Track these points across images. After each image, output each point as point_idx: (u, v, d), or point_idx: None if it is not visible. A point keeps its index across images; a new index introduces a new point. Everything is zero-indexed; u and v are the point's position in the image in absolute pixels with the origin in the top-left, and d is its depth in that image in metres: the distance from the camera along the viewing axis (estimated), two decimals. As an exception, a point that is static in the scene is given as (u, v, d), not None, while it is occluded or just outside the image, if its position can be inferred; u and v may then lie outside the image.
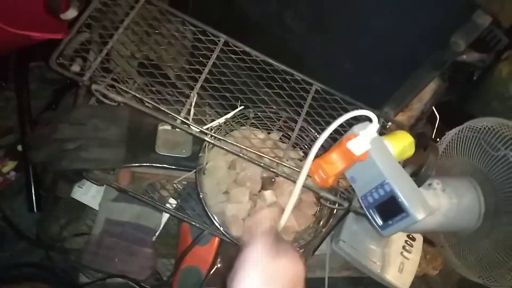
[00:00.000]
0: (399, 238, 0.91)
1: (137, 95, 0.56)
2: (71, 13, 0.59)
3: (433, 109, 1.00)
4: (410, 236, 0.92)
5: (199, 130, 0.57)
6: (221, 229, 0.67)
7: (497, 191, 0.66)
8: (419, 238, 0.93)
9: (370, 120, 0.50)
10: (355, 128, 0.51)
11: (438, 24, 0.64)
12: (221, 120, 0.64)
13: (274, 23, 0.79)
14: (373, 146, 0.49)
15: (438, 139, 1.05)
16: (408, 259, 0.89)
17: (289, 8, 0.75)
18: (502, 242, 0.66)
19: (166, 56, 0.70)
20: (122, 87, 0.56)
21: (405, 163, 0.60)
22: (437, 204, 0.62)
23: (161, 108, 0.56)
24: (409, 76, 0.72)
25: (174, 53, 0.71)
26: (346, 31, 0.73)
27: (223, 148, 0.59)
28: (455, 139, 0.80)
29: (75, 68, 0.64)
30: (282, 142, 0.75)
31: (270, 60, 0.69)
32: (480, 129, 0.73)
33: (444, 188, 0.63)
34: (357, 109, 0.57)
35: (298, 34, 0.77)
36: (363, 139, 0.46)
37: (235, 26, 0.74)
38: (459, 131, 0.79)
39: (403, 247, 0.90)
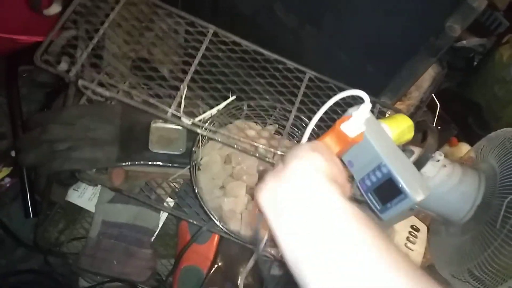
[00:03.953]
0: (402, 229, 0.89)
1: (126, 89, 0.55)
2: (54, 9, 0.58)
3: (433, 97, 0.98)
4: (414, 227, 0.90)
5: (190, 123, 0.55)
6: (219, 224, 0.65)
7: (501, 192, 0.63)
8: (423, 229, 0.90)
9: (363, 100, 0.48)
10: (349, 110, 0.49)
11: (432, 8, 0.62)
12: (213, 111, 0.62)
13: (265, 15, 0.78)
14: (369, 128, 0.47)
15: (439, 127, 1.03)
16: (412, 250, 0.87)
17: (280, 2, 0.74)
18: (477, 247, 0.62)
19: (155, 50, 0.69)
20: (111, 82, 0.55)
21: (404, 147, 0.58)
22: (432, 174, 0.60)
23: (150, 101, 0.55)
24: (405, 64, 0.71)
25: (164, 47, 0.69)
26: (338, 21, 0.71)
27: (216, 140, 0.57)
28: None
29: (63, 66, 0.63)
30: (278, 133, 0.74)
31: (262, 50, 0.68)
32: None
33: (446, 164, 0.61)
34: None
35: (289, 25, 0.76)
36: (357, 119, 0.44)
37: (226, 19, 0.73)
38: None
39: (407, 238, 0.87)
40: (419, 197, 0.45)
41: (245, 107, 0.70)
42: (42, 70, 0.77)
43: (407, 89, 0.81)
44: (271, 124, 0.74)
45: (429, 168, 0.60)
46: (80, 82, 0.52)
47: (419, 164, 0.53)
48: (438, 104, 1.00)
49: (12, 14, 0.71)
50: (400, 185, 0.46)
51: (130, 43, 0.67)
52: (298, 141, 0.73)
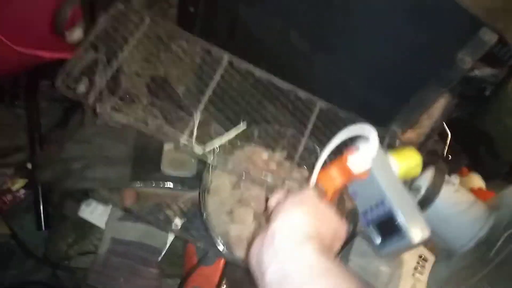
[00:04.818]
0: (410, 259, 0.88)
1: (141, 114, 0.56)
2: (76, 34, 0.60)
3: (444, 126, 0.98)
4: (423, 256, 0.89)
5: (201, 153, 0.57)
6: (225, 250, 0.66)
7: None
8: (432, 259, 0.90)
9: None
10: (358, 142, 0.50)
11: (444, 41, 0.63)
12: (225, 139, 0.64)
13: (279, 43, 0.80)
14: (376, 162, 0.47)
15: (449, 157, 1.03)
16: (420, 280, 0.86)
17: (294, 28, 0.76)
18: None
19: (171, 75, 0.71)
20: (126, 109, 0.57)
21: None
22: (444, 196, 0.60)
23: (164, 129, 0.56)
24: (416, 94, 0.71)
25: (179, 72, 0.71)
26: (351, 50, 0.72)
27: (225, 169, 0.58)
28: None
29: (81, 88, 0.65)
30: (286, 161, 0.74)
31: (274, 79, 0.69)
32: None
33: (459, 190, 0.61)
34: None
35: (303, 53, 0.77)
36: (363, 157, 0.45)
37: (241, 45, 0.74)
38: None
39: (415, 268, 0.87)
40: (417, 238, 0.45)
41: (255, 133, 0.71)
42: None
43: (417, 118, 0.81)
44: (278, 151, 0.75)
45: (443, 190, 0.60)
46: (98, 108, 0.54)
47: (425, 203, 0.53)
48: (449, 133, 1.00)
49: (37, 32, 0.74)
50: (400, 224, 0.46)
51: (146, 65, 0.69)
52: (306, 169, 0.73)
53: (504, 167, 1.00)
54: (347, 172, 0.46)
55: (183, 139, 0.55)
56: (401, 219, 0.45)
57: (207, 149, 0.56)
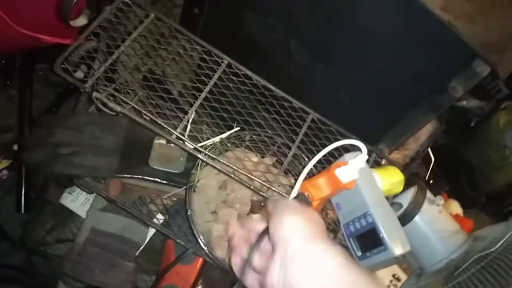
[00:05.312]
0: (385, 277, 0.89)
1: (136, 106, 0.57)
2: (81, 21, 0.61)
3: (428, 151, 1.00)
4: (396, 276, 0.91)
5: (193, 147, 0.58)
6: (206, 249, 0.67)
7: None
8: (404, 278, 0.91)
9: (360, 150, 0.51)
10: (346, 156, 0.51)
11: (438, 68, 0.65)
12: (216, 139, 0.65)
13: (279, 50, 0.81)
14: (361, 176, 0.49)
15: (431, 181, 1.05)
16: (392, 299, 0.87)
17: (295, 37, 0.78)
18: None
19: (169, 72, 0.71)
20: (123, 98, 0.57)
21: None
22: (426, 214, 0.62)
23: (158, 121, 0.57)
24: (406, 116, 0.73)
25: (177, 70, 0.72)
26: (347, 66, 0.74)
27: (215, 168, 0.59)
28: None
29: (79, 74, 0.65)
30: (275, 167, 0.76)
31: (270, 86, 0.70)
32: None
33: (441, 211, 0.63)
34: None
35: (301, 63, 0.79)
36: (351, 167, 0.47)
37: (241, 50, 0.76)
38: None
39: (387, 286, 0.88)
40: (398, 251, 0.47)
41: (247, 138, 0.72)
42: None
43: (405, 139, 0.83)
44: (267, 157, 0.77)
45: (426, 207, 0.62)
46: (94, 94, 0.55)
47: (405, 219, 0.55)
48: (433, 158, 1.03)
49: (39, 13, 0.74)
50: (382, 237, 0.48)
51: (145, 59, 0.70)
52: (295, 179, 0.75)
53: (482, 197, 1.03)
54: (334, 182, 0.48)
55: (176, 133, 0.56)
56: (383, 232, 0.47)
57: (199, 145, 0.57)
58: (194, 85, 0.65)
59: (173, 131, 0.57)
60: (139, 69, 0.69)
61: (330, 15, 0.70)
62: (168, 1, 1.01)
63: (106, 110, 0.56)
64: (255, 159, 0.73)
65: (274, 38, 0.81)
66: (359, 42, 0.70)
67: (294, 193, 0.50)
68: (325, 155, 0.54)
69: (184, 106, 0.67)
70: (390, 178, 0.56)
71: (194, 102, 0.62)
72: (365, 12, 0.66)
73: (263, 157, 0.77)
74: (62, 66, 0.58)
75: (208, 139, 0.64)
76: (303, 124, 0.69)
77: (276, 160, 0.76)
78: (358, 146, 0.51)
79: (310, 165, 0.50)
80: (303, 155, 0.72)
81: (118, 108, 0.55)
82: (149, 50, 0.67)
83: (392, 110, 0.74)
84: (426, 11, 0.60)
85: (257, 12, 0.81)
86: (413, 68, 0.67)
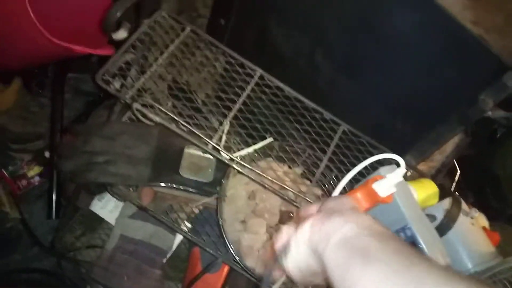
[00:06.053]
0: None
1: (174, 117, 0.58)
2: (121, 34, 0.63)
3: (454, 162, 1.00)
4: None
5: (229, 158, 0.59)
6: (236, 258, 0.67)
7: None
8: None
9: (397, 164, 0.51)
10: (382, 170, 0.52)
11: (468, 81, 0.65)
12: (250, 149, 0.65)
13: (306, 61, 0.82)
14: (398, 190, 0.49)
15: (456, 193, 1.04)
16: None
17: (320, 48, 0.78)
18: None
19: (203, 83, 0.73)
20: (161, 108, 0.59)
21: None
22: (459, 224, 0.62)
23: (195, 132, 0.58)
24: (434, 128, 0.73)
25: (211, 81, 0.73)
26: (376, 78, 0.75)
27: (249, 177, 0.60)
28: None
29: (116, 84, 0.67)
30: (304, 177, 0.76)
31: (302, 98, 0.71)
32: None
33: (474, 223, 0.63)
34: (382, 152, 0.58)
35: (329, 75, 0.80)
36: (390, 181, 0.47)
37: (267, 61, 0.77)
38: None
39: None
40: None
41: (277, 147, 0.73)
42: (88, 80, 0.82)
43: (433, 151, 0.83)
44: (296, 167, 0.77)
45: (460, 219, 0.62)
46: (135, 105, 0.56)
47: (440, 231, 0.55)
48: (458, 170, 1.02)
49: (73, 25, 0.76)
50: (423, 250, 0.48)
51: (182, 73, 0.71)
52: (327, 190, 0.75)
53: (509, 209, 1.02)
54: (372, 196, 0.48)
55: (213, 143, 0.57)
56: (423, 245, 0.47)
57: (234, 156, 0.58)
58: (228, 96, 0.66)
59: (210, 141, 0.58)
60: (176, 80, 0.70)
61: (359, 27, 0.71)
62: (192, 11, 1.03)
63: (145, 121, 0.58)
64: (285, 169, 0.74)
65: (300, 50, 0.82)
66: (390, 55, 0.70)
67: None
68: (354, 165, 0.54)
69: (217, 117, 0.69)
70: (426, 191, 0.56)
71: (228, 113, 0.63)
72: (395, 25, 0.67)
73: (290, 167, 0.77)
74: (103, 77, 0.59)
75: (241, 149, 0.65)
76: (334, 135, 0.70)
77: (304, 171, 0.77)
78: (393, 159, 0.51)
79: (350, 176, 0.50)
80: (333, 167, 0.72)
81: (157, 119, 0.57)
82: (184, 62, 0.69)
83: (420, 122, 0.74)
84: (458, 25, 0.60)
85: (283, 23, 0.83)
86: (443, 81, 0.67)
